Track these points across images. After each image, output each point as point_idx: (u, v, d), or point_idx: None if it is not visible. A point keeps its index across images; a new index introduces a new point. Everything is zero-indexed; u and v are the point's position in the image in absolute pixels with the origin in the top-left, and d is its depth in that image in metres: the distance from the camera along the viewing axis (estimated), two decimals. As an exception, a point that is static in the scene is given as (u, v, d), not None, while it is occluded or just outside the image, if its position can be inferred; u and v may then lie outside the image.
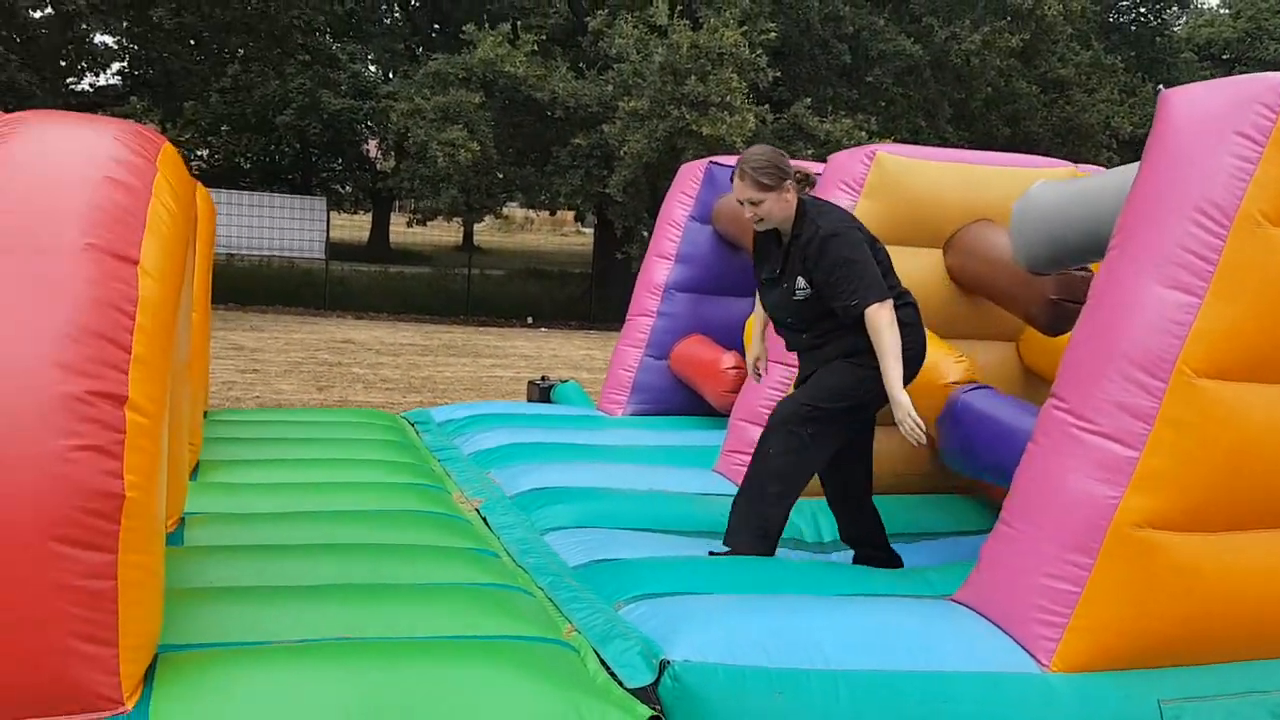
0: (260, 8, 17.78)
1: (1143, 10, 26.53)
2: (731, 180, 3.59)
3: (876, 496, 3.81)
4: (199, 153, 23.55)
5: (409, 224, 23.10)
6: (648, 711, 2.45)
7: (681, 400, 6.26)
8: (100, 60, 19.26)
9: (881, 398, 3.45)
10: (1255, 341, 2.69)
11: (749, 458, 3.67)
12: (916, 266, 4.68)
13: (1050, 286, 4.03)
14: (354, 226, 26.69)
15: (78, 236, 2.18)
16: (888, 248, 4.65)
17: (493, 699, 2.35)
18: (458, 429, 5.73)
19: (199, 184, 4.59)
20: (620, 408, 6.29)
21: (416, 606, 2.78)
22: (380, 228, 27.23)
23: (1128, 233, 2.78)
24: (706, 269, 6.32)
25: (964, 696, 2.62)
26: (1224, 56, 28.84)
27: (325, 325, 15.71)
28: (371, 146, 25.24)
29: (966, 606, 2.93)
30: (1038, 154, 5.97)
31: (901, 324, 3.44)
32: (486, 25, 17.46)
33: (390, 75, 22.38)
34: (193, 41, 19.57)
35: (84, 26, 16.95)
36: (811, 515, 4.16)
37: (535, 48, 17.34)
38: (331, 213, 20.04)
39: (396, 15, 24.34)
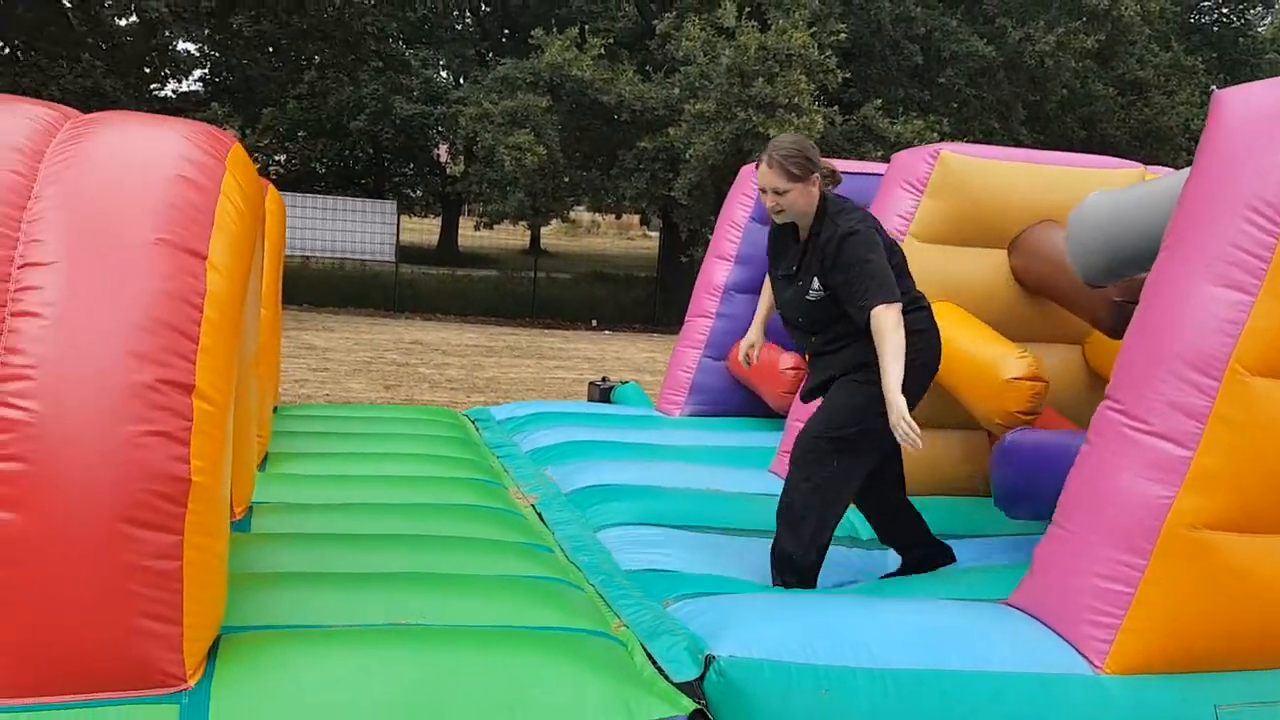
0: (336, 15, 18.17)
1: (1225, 11, 25.76)
2: (756, 166, 3.47)
3: (934, 499, 3.72)
4: (277, 158, 24.08)
5: (476, 227, 23.36)
6: (692, 705, 2.47)
7: (740, 401, 6.26)
8: (182, 67, 19.87)
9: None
10: (1309, 339, 2.62)
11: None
12: (980, 267, 4.65)
13: (1114, 289, 3.97)
14: (424, 230, 27.08)
15: (150, 232, 2.26)
16: (950, 247, 4.64)
17: (542, 687, 2.39)
18: (516, 427, 5.82)
19: (270, 185, 4.73)
20: (678, 408, 6.32)
21: (470, 596, 2.83)
22: (449, 231, 27.58)
23: (1180, 233, 2.74)
24: (766, 270, 6.32)
25: (1013, 697, 2.60)
26: (1311, 58, 27.86)
27: (394, 326, 15.99)
28: (442, 151, 25.58)
29: (1020, 610, 2.91)
30: (1115, 157, 5.85)
31: (913, 330, 3.31)
32: (555, 30, 17.63)
33: (461, 80, 22.70)
34: (271, 49, 20.06)
35: (167, 34, 17.47)
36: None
37: (602, 51, 17.44)
38: (402, 216, 20.36)
39: (468, 21, 24.68)
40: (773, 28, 16.06)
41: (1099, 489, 2.76)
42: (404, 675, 2.34)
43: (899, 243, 4.62)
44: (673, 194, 16.73)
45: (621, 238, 38.61)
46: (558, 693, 2.39)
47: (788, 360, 5.74)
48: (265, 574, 2.88)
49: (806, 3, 16.55)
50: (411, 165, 25.53)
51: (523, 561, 3.29)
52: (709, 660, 2.59)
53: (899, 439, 3.15)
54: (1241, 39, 25.27)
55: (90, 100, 15.15)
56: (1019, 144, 18.40)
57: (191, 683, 2.19)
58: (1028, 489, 3.66)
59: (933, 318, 3.53)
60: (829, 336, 3.41)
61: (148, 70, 18.64)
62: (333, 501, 3.88)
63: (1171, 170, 4.61)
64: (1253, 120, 2.68)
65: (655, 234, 27.51)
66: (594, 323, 18.74)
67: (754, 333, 3.86)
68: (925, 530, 3.70)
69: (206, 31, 18.71)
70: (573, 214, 26.48)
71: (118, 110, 2.80)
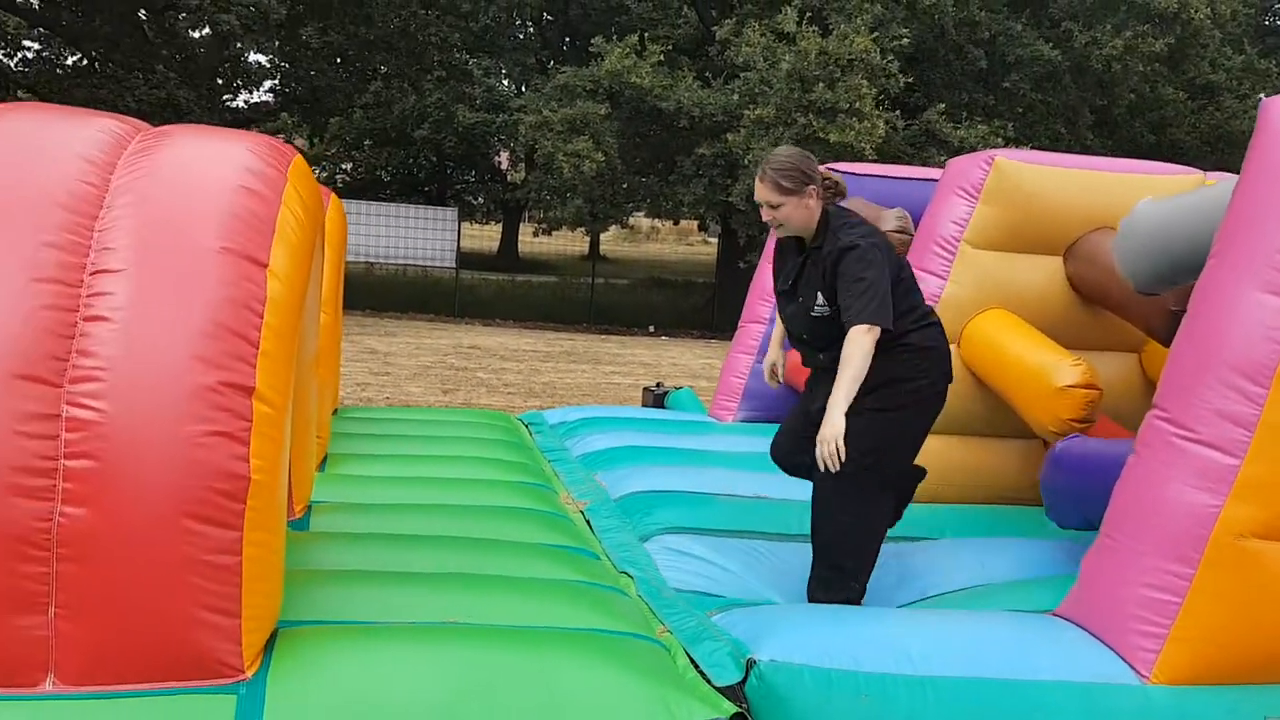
0: (401, 26, 18.51)
1: (1301, 12, 25.10)
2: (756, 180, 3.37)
3: (999, 507, 3.64)
4: (343, 166, 24.58)
5: (535, 234, 23.59)
6: (733, 708, 2.49)
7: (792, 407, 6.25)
8: (253, 78, 20.39)
9: (920, 425, 3.32)
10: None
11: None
12: (1035, 274, 4.61)
13: (1170, 297, 3.91)
14: (484, 237, 27.42)
15: (214, 240, 2.36)
16: (1005, 254, 4.60)
17: (586, 687, 2.43)
18: (569, 431, 5.88)
19: (332, 193, 4.86)
20: (731, 414, 6.33)
21: (518, 598, 2.88)
22: (509, 238, 27.89)
23: (1227, 240, 2.71)
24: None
25: (1058, 706, 2.58)
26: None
27: (454, 331, 16.21)
28: (503, 158, 25.89)
29: (1067, 620, 2.89)
30: (1184, 163, 5.73)
31: (918, 348, 3.25)
32: (615, 37, 17.75)
33: (522, 89, 22.95)
34: (338, 60, 20.49)
35: (238, 46, 17.94)
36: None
37: (662, 58, 17.53)
38: (463, 223, 20.65)
39: (529, 30, 24.95)
40: (834, 33, 16.00)
41: (1146, 498, 2.73)
42: (451, 672, 2.40)
43: (954, 249, 4.62)
44: (731, 199, 16.74)
45: (680, 243, 38.66)
46: (600, 694, 2.43)
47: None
48: (322, 571, 2.97)
49: (869, 8, 16.47)
50: (473, 173, 25.89)
51: (570, 566, 3.33)
52: (750, 664, 2.61)
53: (819, 455, 3.05)
54: (1319, 41, 24.55)
55: (164, 110, 15.58)
56: (1086, 149, 18.09)
57: (249, 674, 2.27)
58: (1079, 497, 3.60)
59: (943, 334, 3.42)
60: (836, 354, 3.22)
61: (220, 81, 19.14)
62: (387, 502, 3.97)
63: (1233, 177, 4.53)
64: (1301, 127, 2.65)
65: (714, 240, 27.52)
66: (651, 328, 18.80)
67: (774, 351, 3.79)
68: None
69: (276, 43, 19.17)
70: (631, 220, 26.62)
71: (188, 123, 2.91)
